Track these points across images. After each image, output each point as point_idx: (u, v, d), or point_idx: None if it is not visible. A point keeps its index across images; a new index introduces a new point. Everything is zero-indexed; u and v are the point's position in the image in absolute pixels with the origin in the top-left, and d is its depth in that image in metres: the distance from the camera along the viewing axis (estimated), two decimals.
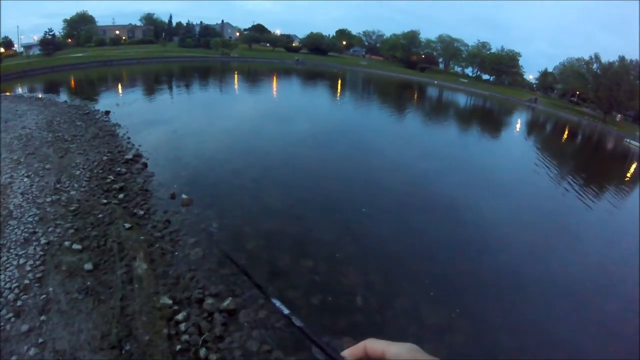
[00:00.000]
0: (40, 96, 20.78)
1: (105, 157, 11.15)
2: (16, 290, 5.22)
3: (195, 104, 24.32)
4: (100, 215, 7.71)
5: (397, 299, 6.70)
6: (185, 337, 4.97)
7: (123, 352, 4.59)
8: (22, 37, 50.36)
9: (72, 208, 7.80)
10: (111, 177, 9.78)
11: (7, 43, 45.15)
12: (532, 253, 9.49)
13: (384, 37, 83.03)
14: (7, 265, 5.71)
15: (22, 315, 4.85)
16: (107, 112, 17.27)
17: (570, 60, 58.94)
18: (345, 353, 0.54)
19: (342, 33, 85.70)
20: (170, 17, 69.52)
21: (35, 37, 47.60)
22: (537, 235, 10.67)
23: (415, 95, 47.91)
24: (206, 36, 64.67)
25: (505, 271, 8.52)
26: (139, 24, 69.02)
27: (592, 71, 51.21)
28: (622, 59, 47.58)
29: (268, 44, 77.11)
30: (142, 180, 10.02)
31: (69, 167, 10.07)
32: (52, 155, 10.71)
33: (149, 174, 10.53)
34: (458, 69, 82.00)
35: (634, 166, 26.84)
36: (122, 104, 20.32)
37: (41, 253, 6.13)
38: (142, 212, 8.21)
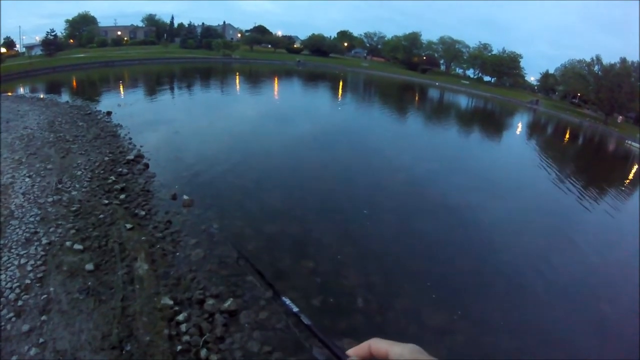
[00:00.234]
0: (42, 96, 20.85)
1: (106, 158, 11.18)
2: (17, 290, 5.23)
3: (196, 105, 24.38)
4: (101, 216, 7.72)
5: (397, 299, 6.70)
6: (186, 337, 4.97)
7: (124, 352, 4.59)
8: (24, 37, 50.46)
9: (74, 208, 7.81)
10: (113, 177, 9.79)
11: (9, 43, 45.30)
12: (533, 253, 9.47)
13: (385, 38, 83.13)
14: (9, 265, 5.72)
15: (23, 315, 4.85)
16: (109, 113, 17.31)
17: (571, 61, 58.89)
18: (350, 352, 0.55)
19: (344, 34, 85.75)
20: (172, 18, 69.87)
21: (37, 38, 47.89)
22: (538, 236, 10.66)
23: (417, 97, 47.92)
24: (208, 37, 64.68)
25: (506, 271, 8.51)
26: (140, 24, 69.21)
27: (594, 73, 51.12)
28: (623, 60, 47.58)
29: (269, 45, 77.12)
30: (144, 181, 10.03)
31: (70, 167, 10.10)
32: (53, 156, 10.74)
33: (151, 175, 10.54)
34: (459, 71, 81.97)
35: (635, 168, 26.78)
36: (124, 105, 20.37)
37: (42, 253, 6.14)
38: (143, 213, 8.22)
